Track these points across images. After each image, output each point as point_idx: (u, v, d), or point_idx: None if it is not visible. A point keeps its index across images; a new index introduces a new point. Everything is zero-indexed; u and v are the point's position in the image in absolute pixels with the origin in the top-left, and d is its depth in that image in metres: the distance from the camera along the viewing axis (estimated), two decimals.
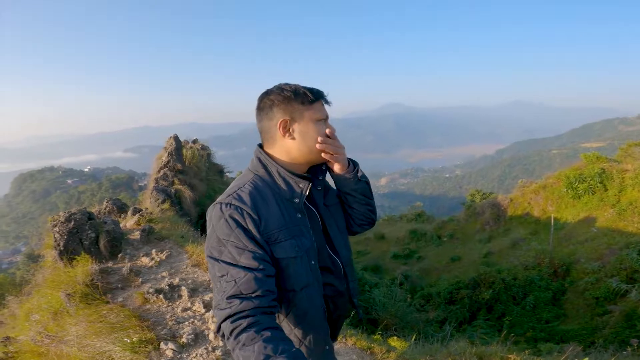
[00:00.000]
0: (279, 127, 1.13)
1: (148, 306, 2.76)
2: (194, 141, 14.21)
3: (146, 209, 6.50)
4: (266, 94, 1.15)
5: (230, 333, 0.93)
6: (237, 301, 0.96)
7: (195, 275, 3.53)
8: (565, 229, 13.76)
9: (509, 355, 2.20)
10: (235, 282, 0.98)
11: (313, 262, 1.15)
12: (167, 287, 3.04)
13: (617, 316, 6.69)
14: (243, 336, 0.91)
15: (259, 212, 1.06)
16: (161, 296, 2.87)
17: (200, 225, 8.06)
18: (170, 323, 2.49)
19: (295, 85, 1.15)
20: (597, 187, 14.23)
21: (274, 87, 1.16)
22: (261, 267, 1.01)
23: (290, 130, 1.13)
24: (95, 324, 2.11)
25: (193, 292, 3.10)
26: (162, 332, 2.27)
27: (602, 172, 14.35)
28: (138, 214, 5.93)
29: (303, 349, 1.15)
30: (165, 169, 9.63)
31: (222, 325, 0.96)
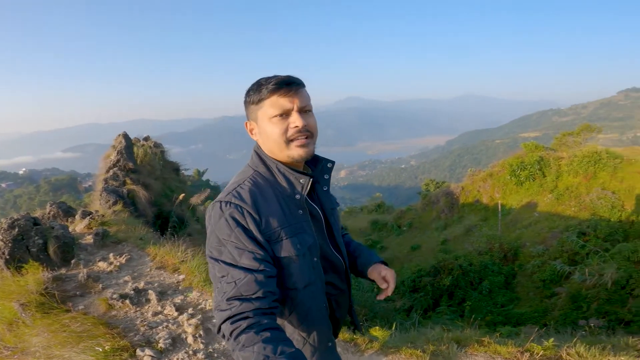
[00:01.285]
0: (247, 129, 1.15)
1: (114, 312, 2.62)
2: (146, 138, 13.71)
3: (96, 211, 6.09)
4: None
5: (230, 334, 0.92)
6: (237, 302, 0.95)
7: (162, 278, 3.39)
8: (511, 214, 14.80)
9: (483, 338, 2.36)
10: (235, 283, 0.97)
11: (315, 259, 1.14)
12: (132, 292, 2.90)
13: (564, 298, 7.30)
14: (243, 337, 0.90)
15: (259, 210, 1.04)
16: (127, 301, 2.73)
17: (158, 226, 7.67)
18: (142, 329, 2.37)
19: (257, 80, 1.10)
20: (537, 174, 15.36)
21: None
22: (261, 267, 1.00)
23: (253, 132, 1.14)
24: (58, 334, 1.95)
25: (161, 295, 2.98)
26: (136, 339, 2.15)
27: (540, 160, 15.51)
28: (88, 217, 5.55)
29: (307, 347, 1.15)
30: (115, 168, 9.09)
31: (222, 326, 0.95)
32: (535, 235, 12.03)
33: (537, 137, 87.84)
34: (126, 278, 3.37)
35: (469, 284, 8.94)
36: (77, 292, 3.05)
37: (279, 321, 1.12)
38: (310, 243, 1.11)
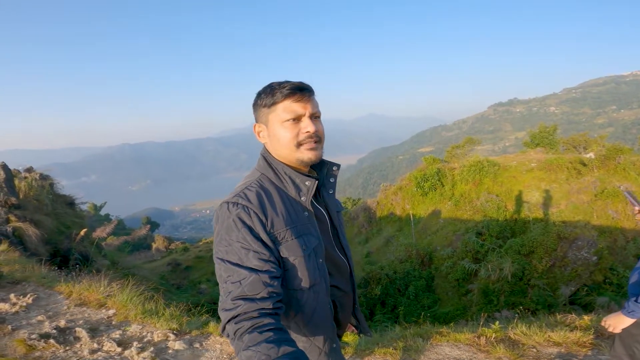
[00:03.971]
0: (255, 132, 1.18)
1: (38, 353, 2.49)
2: (29, 170, 12.12)
3: None
4: None
5: (235, 334, 0.93)
6: (241, 302, 0.96)
7: (86, 315, 3.28)
8: (421, 223, 16.27)
9: (441, 329, 2.54)
10: (240, 283, 0.98)
11: (321, 260, 1.15)
12: (54, 331, 2.77)
13: (477, 294, 8.20)
14: (246, 337, 0.91)
15: (265, 211, 1.06)
16: (51, 341, 2.62)
17: (56, 265, 6.77)
18: None
19: (269, 84, 1.13)
20: (437, 184, 17.16)
21: None
22: (266, 268, 1.01)
23: (261, 134, 1.17)
24: None
25: (93, 332, 2.87)
26: None
27: (438, 172, 17.37)
28: None
29: (312, 347, 1.16)
30: None
31: (226, 326, 0.96)
32: (443, 239, 13.39)
33: (432, 151, 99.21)
34: (39, 318, 3.24)
35: (397, 291, 9.53)
36: None
37: (284, 322, 1.12)
38: (315, 244, 1.13)
